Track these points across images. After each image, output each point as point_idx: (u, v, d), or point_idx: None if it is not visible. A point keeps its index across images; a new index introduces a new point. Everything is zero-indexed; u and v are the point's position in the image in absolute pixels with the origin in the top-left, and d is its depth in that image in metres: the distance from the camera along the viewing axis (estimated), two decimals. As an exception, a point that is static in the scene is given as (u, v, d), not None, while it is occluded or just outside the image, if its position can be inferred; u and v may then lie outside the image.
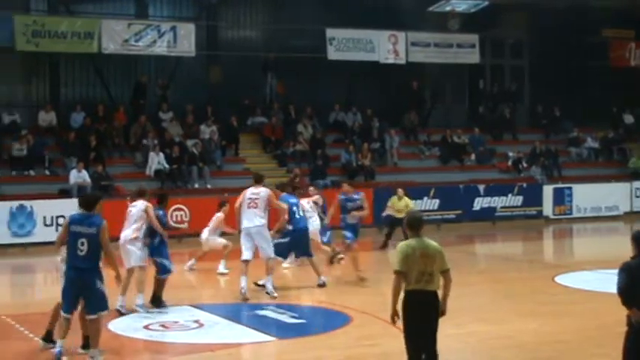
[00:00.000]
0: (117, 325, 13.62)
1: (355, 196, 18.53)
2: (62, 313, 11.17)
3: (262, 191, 16.15)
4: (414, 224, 9.47)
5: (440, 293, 9.28)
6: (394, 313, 9.30)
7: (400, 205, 23.98)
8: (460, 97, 38.05)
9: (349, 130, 33.16)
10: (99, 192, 15.35)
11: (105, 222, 11.06)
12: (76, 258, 10.88)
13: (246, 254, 15.97)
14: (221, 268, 19.37)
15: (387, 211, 24.65)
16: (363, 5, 32.68)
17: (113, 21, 29.55)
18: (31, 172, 27.34)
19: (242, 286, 15.71)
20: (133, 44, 29.18)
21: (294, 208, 17.04)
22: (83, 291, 10.97)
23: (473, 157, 33.72)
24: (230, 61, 32.74)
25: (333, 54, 31.66)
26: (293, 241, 17.03)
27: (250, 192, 16.17)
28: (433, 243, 9.35)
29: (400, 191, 24.37)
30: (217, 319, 14.27)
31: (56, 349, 11.12)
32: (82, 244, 10.82)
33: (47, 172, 27.64)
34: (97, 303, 10.99)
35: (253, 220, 15.92)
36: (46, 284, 19.80)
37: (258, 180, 16.54)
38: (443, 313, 9.32)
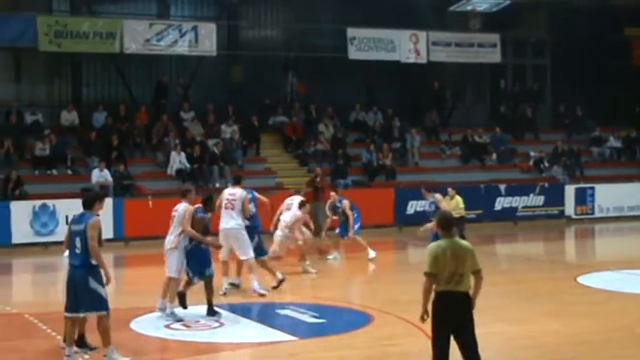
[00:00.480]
0: (138, 325, 13.74)
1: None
2: (64, 313, 11.27)
3: (238, 192, 16.36)
4: (445, 224, 9.37)
5: (470, 293, 9.23)
6: (424, 312, 9.24)
7: (452, 204, 23.41)
8: (481, 97, 38.05)
9: (370, 130, 33.25)
10: (102, 191, 15.24)
11: (94, 219, 11.19)
12: (73, 256, 11.15)
13: (224, 255, 16.28)
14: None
15: None
16: (384, 5, 32.67)
17: (135, 21, 29.75)
18: (54, 172, 27.59)
19: (224, 287, 16.14)
20: (155, 44, 29.38)
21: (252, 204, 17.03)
22: (77, 288, 11.08)
23: (494, 156, 33.70)
24: (251, 61, 32.99)
25: (354, 53, 31.71)
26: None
27: (227, 193, 16.48)
28: (465, 243, 9.30)
29: (451, 190, 23.87)
30: (238, 318, 14.38)
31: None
32: (77, 242, 11.05)
33: (69, 172, 27.89)
34: (90, 302, 11.04)
35: (229, 221, 16.18)
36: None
37: (237, 181, 16.79)
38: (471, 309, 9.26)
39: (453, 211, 22.68)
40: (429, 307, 9.19)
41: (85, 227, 11.05)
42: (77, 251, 11.03)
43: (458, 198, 23.52)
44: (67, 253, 11.59)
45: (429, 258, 9.12)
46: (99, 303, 11.07)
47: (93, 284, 11.01)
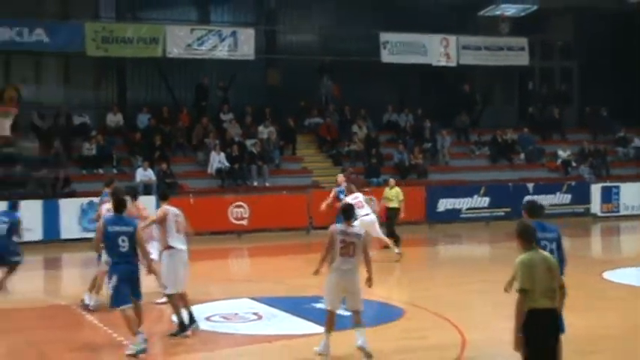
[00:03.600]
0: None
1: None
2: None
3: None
4: (530, 234, 8.58)
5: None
6: (518, 340, 8.27)
7: (392, 194, 23.56)
8: (510, 99, 38.63)
9: (402, 131, 34.02)
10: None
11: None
12: (120, 254, 11.90)
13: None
14: None
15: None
16: (416, 10, 33.47)
17: (177, 27, 30.68)
18: (100, 171, 28.43)
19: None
20: (196, 49, 30.26)
21: None
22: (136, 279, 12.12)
23: (522, 156, 34.32)
24: (288, 65, 33.74)
25: (386, 57, 32.54)
26: None
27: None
28: (549, 255, 8.70)
29: (392, 181, 24.24)
30: (275, 311, 14.57)
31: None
32: (123, 241, 11.84)
33: (115, 171, 28.64)
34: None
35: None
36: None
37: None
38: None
39: (390, 201, 23.02)
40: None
41: (135, 229, 11.89)
42: (124, 250, 11.70)
43: (397, 189, 23.60)
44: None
45: (522, 271, 8.30)
46: (110, 300, 11.96)
47: (107, 281, 12.09)
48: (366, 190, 23.96)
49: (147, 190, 27.26)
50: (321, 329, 12.70)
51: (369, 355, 11.30)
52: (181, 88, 32.92)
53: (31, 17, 28.86)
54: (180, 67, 32.19)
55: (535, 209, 10.18)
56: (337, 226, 11.66)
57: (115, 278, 11.70)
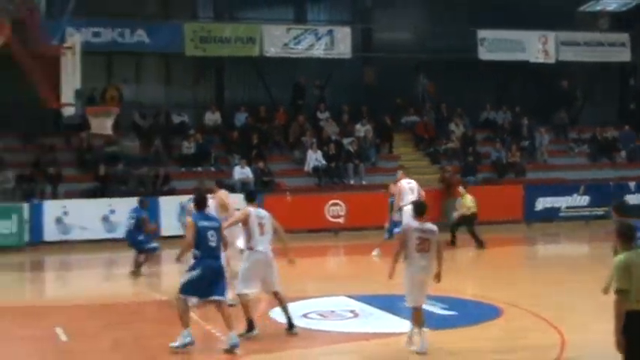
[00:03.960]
0: (277, 314, 14.22)
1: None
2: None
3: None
4: (631, 234, 8.43)
5: None
6: (619, 341, 8.10)
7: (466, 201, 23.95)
8: (610, 95, 37.75)
9: (499, 129, 33.73)
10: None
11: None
12: (210, 249, 12.20)
13: None
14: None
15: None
16: (514, 7, 33.10)
17: (273, 26, 31.00)
18: (199, 169, 28.96)
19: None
20: (293, 48, 30.56)
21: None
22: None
23: (623, 154, 33.71)
24: (384, 63, 33.74)
25: (484, 54, 32.38)
26: None
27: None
28: None
29: (461, 189, 24.78)
30: (372, 309, 14.67)
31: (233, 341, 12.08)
32: (213, 236, 12.14)
33: (213, 169, 29.17)
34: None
35: None
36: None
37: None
38: None
39: (467, 209, 23.34)
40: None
41: (220, 223, 12.36)
42: (213, 244, 12.04)
43: (469, 196, 24.03)
44: None
45: (621, 272, 8.14)
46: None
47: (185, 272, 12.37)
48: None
49: (244, 188, 27.57)
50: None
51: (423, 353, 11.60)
52: (278, 86, 33.23)
53: (132, 19, 29.46)
54: (277, 65, 32.40)
55: (625, 208, 10.05)
56: (412, 223, 11.93)
57: (198, 270, 11.98)
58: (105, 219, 26.14)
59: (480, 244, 23.42)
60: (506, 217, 29.19)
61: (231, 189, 27.31)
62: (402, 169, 22.87)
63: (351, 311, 14.69)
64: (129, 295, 17.25)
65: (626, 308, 8.04)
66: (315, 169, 29.50)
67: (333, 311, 14.76)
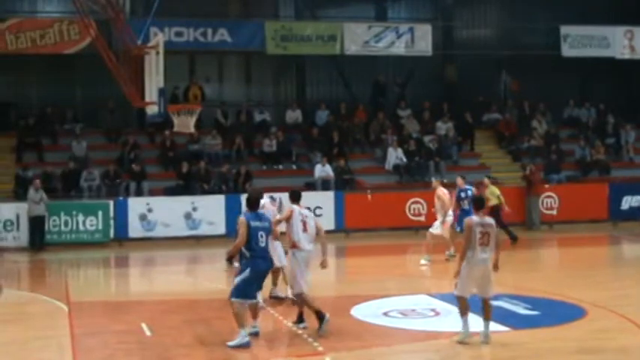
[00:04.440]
0: (358, 311, 14.48)
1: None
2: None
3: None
4: None
5: None
6: None
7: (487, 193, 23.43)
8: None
9: (583, 126, 33.23)
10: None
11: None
12: (261, 249, 12.35)
13: None
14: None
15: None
16: (598, 1, 32.61)
17: (354, 24, 30.88)
18: (280, 167, 29.29)
19: None
20: (373, 45, 30.41)
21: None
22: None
23: None
24: (465, 60, 33.63)
25: (567, 51, 31.83)
26: None
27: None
28: None
29: (486, 180, 24.44)
30: (452, 308, 14.17)
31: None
32: (263, 236, 12.26)
33: (294, 167, 29.50)
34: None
35: None
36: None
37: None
38: None
39: (489, 200, 22.38)
40: None
41: (271, 224, 12.47)
42: (263, 245, 12.19)
43: (493, 187, 23.78)
44: None
45: None
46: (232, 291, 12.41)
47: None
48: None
49: (325, 185, 27.74)
50: (498, 327, 12.84)
51: (486, 343, 12.06)
52: (358, 84, 33.36)
53: (214, 18, 29.73)
54: (358, 63, 32.45)
55: None
56: (474, 218, 12.28)
57: (248, 271, 12.14)
58: (187, 216, 26.48)
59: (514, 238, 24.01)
60: (591, 216, 28.79)
61: (313, 187, 27.62)
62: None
63: (432, 310, 14.66)
64: (211, 292, 17.40)
65: None
66: (396, 166, 29.49)
67: (414, 309, 14.74)
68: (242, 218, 12.39)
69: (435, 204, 21.06)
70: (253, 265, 12.19)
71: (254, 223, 12.23)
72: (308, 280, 13.19)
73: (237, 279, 12.25)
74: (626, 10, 32.82)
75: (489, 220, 12.36)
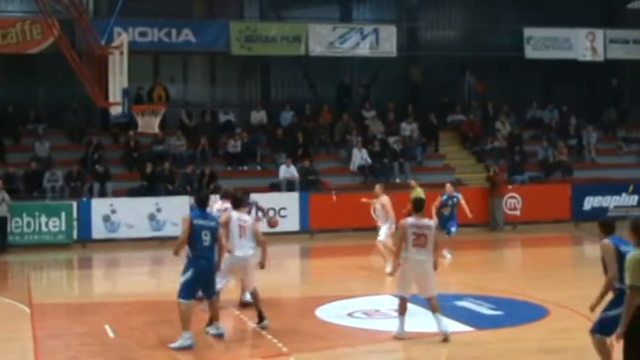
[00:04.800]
0: (322, 312, 14.53)
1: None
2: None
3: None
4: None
5: None
6: (625, 331, 8.55)
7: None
8: (661, 94, 37.41)
9: (546, 127, 33.42)
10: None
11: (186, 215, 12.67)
12: (204, 249, 12.34)
13: None
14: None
15: None
16: (560, 4, 32.80)
17: (319, 25, 30.85)
18: (245, 168, 29.16)
19: None
20: (338, 46, 30.40)
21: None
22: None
23: (674, 153, 33.27)
24: (429, 61, 33.75)
25: (530, 53, 32.03)
26: None
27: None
28: None
29: (413, 182, 24.41)
30: (417, 308, 14.19)
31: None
32: (206, 236, 12.23)
33: (259, 168, 29.40)
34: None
35: None
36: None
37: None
38: None
39: None
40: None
41: (217, 224, 12.41)
42: (207, 244, 12.15)
43: (419, 189, 23.37)
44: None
45: (633, 268, 8.34)
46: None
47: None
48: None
49: (290, 186, 27.71)
50: (462, 327, 13.06)
51: (446, 339, 12.28)
52: (323, 85, 33.29)
53: (178, 18, 29.61)
54: (323, 64, 32.40)
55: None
56: (409, 220, 12.52)
57: (190, 272, 12.17)
58: (151, 217, 26.37)
59: None
60: (553, 217, 29.03)
61: (277, 188, 27.59)
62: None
63: (396, 310, 14.37)
64: (174, 293, 17.28)
65: (637, 303, 8.30)
66: (361, 167, 29.51)
67: (378, 310, 14.81)
68: (185, 215, 12.57)
69: (377, 210, 20.06)
70: (195, 265, 12.17)
71: (198, 222, 12.20)
72: (223, 282, 13.25)
73: (181, 279, 12.24)
74: (588, 12, 33.08)
75: (427, 221, 12.60)
